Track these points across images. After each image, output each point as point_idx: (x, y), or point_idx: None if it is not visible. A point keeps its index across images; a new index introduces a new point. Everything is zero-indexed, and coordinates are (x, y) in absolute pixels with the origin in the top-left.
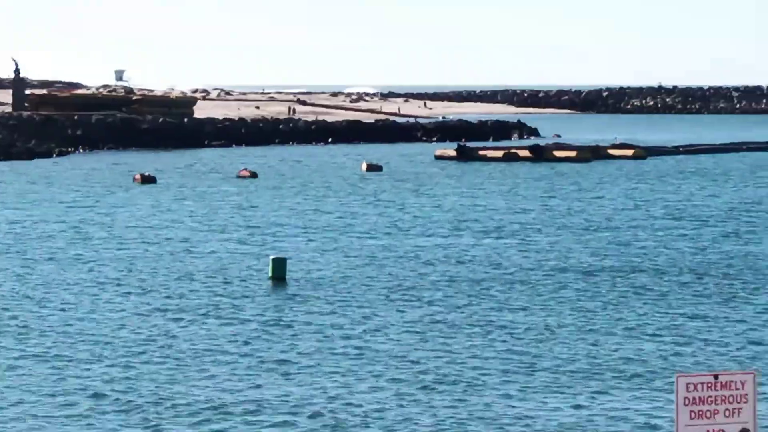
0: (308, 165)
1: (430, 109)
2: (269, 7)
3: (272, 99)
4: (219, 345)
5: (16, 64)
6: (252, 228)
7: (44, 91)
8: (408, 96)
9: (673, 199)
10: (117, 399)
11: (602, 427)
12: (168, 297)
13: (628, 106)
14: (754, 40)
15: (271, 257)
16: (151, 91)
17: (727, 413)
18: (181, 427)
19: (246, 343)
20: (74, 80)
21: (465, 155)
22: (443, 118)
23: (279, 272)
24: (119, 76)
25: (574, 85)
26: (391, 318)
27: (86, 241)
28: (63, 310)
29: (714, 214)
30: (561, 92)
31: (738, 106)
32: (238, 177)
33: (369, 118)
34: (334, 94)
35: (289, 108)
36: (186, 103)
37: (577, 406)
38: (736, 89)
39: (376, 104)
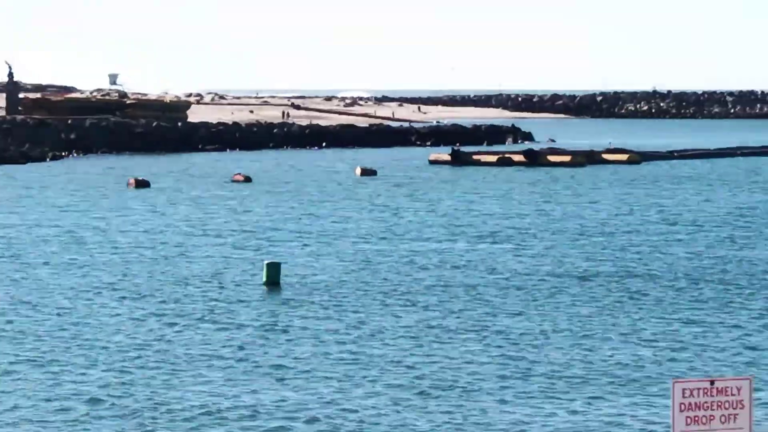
0: (302, 169)
1: (425, 113)
2: (263, 10)
3: (266, 103)
4: (214, 350)
5: (10, 68)
6: (246, 233)
7: (38, 95)
8: (402, 100)
9: (668, 204)
10: (113, 404)
11: None
12: (163, 302)
13: (623, 111)
14: (748, 45)
15: (266, 262)
16: (145, 95)
17: (723, 419)
18: None
19: (241, 348)
20: (68, 84)
21: (459, 160)
22: (437, 122)
23: (273, 277)
24: (113, 80)
25: (569, 89)
26: (386, 323)
27: (80, 246)
28: (58, 314)
29: (709, 219)
30: (555, 97)
31: (732, 110)
32: (233, 181)
33: (363, 122)
34: (329, 99)
35: (283, 112)
36: (180, 107)
37: (573, 412)
38: (731, 94)
39: (370, 108)
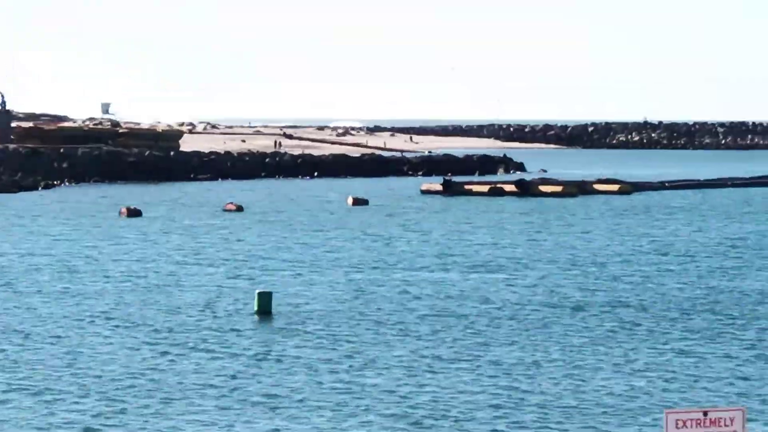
0: (294, 199)
1: (417, 143)
2: (255, 40)
3: (258, 133)
4: (206, 379)
5: (2, 97)
6: (238, 262)
7: (30, 124)
8: (394, 130)
9: (660, 235)
10: None
11: None
12: (155, 330)
13: (614, 141)
14: (740, 76)
15: (257, 291)
16: (137, 124)
17: None
18: None
19: (233, 377)
20: (60, 113)
21: (451, 190)
22: (429, 152)
23: (265, 306)
24: (105, 109)
25: (560, 120)
26: (379, 352)
27: (73, 274)
28: (51, 343)
29: (700, 250)
30: (547, 127)
31: (723, 141)
32: (225, 211)
33: (355, 152)
34: (321, 128)
35: (276, 142)
36: (172, 136)
37: None
38: (722, 125)
39: (362, 138)
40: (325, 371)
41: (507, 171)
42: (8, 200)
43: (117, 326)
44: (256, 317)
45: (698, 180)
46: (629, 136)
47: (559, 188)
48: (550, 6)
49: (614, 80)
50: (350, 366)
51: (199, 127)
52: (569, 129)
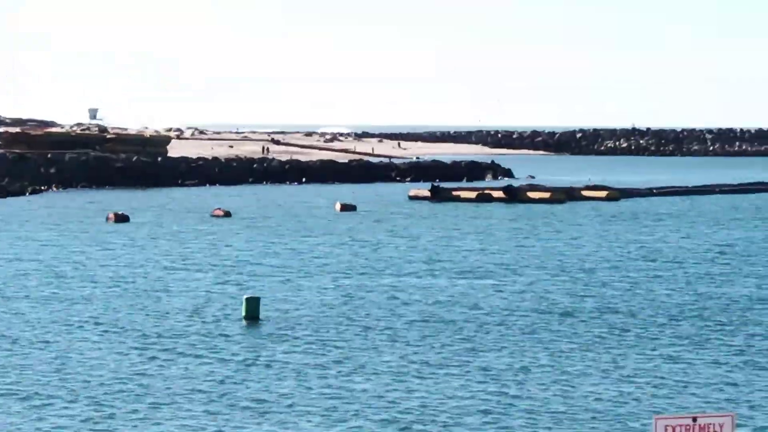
0: (282, 204)
1: (404, 149)
2: (243, 46)
3: (246, 138)
4: (195, 384)
5: None
6: (226, 267)
7: (17, 129)
8: (382, 136)
9: (648, 241)
10: None
11: None
12: (143, 336)
13: (602, 148)
14: (728, 83)
15: (245, 297)
16: (125, 129)
17: None
18: None
19: (221, 382)
20: (48, 119)
21: (439, 196)
22: (417, 158)
23: (252, 311)
24: (93, 114)
25: (548, 126)
26: (367, 358)
27: (60, 280)
28: (39, 349)
29: (688, 256)
30: (535, 133)
31: (711, 148)
32: (212, 216)
33: (343, 158)
34: (308, 134)
35: (263, 147)
36: (160, 142)
37: None
38: (710, 131)
39: (350, 144)
40: (314, 376)
41: (495, 177)
42: None
43: (105, 331)
44: (244, 322)
45: (686, 186)
46: (617, 143)
47: (546, 194)
48: (540, 14)
49: (603, 86)
50: (339, 371)
51: (187, 133)
52: (557, 135)
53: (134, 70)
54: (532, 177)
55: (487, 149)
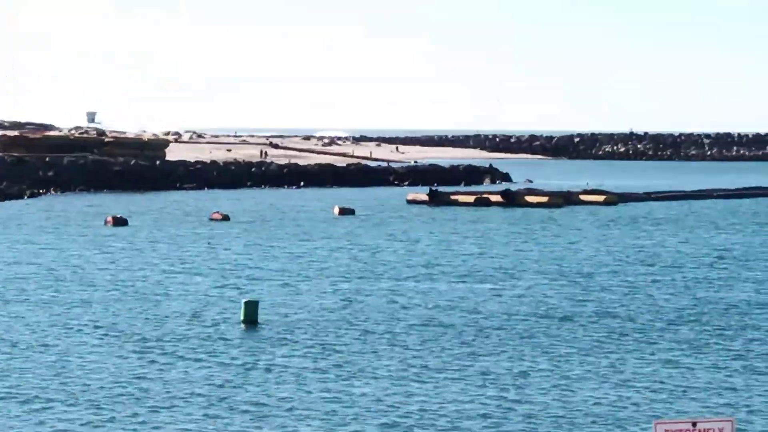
0: (280, 208)
1: (403, 153)
2: (241, 50)
3: (244, 142)
4: (193, 388)
5: None
6: (224, 271)
7: (16, 133)
8: (380, 140)
9: (646, 245)
10: None
11: None
12: (142, 339)
13: (600, 152)
14: (725, 88)
15: (244, 300)
16: (123, 133)
17: None
18: None
19: (220, 386)
20: (46, 122)
21: (437, 200)
22: (415, 162)
23: (251, 315)
24: (91, 117)
25: (546, 130)
26: (366, 362)
27: (59, 283)
28: (39, 352)
29: (686, 261)
30: (533, 137)
31: (709, 152)
32: (211, 220)
33: (341, 161)
34: (307, 138)
35: (261, 151)
36: (158, 145)
37: None
38: (707, 136)
39: (348, 148)
40: (313, 380)
41: (493, 181)
42: None
43: (104, 335)
44: (242, 326)
45: (684, 191)
46: (615, 147)
47: (544, 199)
48: (537, 18)
49: (601, 90)
50: (338, 375)
51: (185, 137)
52: (555, 140)
53: (132, 71)
54: (530, 181)
55: (485, 153)
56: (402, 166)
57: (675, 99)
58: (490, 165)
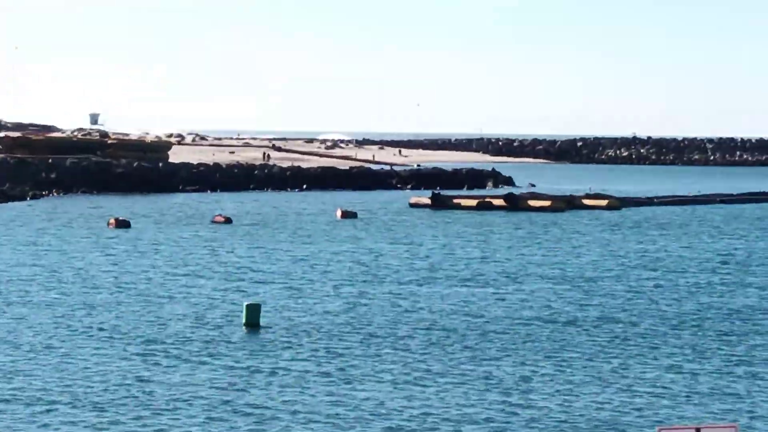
0: (283, 211)
1: (405, 156)
2: (244, 52)
3: (247, 145)
4: (195, 391)
5: None
6: (227, 274)
7: (18, 134)
8: (383, 143)
9: (649, 250)
10: None
11: None
12: (143, 342)
13: (603, 157)
14: (728, 93)
15: (246, 303)
16: (126, 135)
17: None
18: None
19: (222, 389)
20: (49, 123)
21: (439, 203)
22: (418, 165)
23: (253, 318)
24: (94, 119)
25: (549, 134)
26: (367, 366)
27: (61, 286)
28: (43, 354)
29: (689, 266)
30: (536, 141)
31: (712, 157)
32: (213, 222)
33: (344, 165)
34: (309, 141)
35: (264, 154)
36: (161, 147)
37: None
38: (710, 141)
39: (351, 151)
40: (316, 384)
41: (496, 185)
42: None
43: (107, 337)
44: (244, 329)
45: (687, 196)
46: (618, 152)
47: (547, 203)
48: (541, 23)
49: (605, 94)
50: (340, 379)
51: (188, 139)
52: (558, 144)
53: (135, 71)
54: (533, 185)
55: (488, 157)
56: (405, 170)
57: (678, 103)
58: (493, 169)
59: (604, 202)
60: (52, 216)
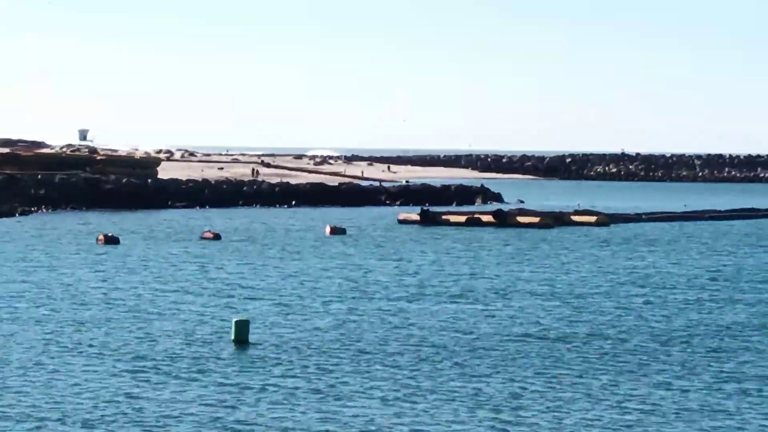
0: (272, 227)
1: (394, 172)
2: (232, 68)
3: (236, 160)
4: (183, 408)
5: None
6: (215, 290)
7: (7, 150)
8: (372, 159)
9: (637, 266)
10: None
11: None
12: (131, 359)
13: (591, 173)
14: (716, 109)
15: (235, 320)
16: (115, 151)
17: None
18: None
19: (211, 405)
20: (38, 139)
21: (428, 219)
22: (407, 182)
23: (242, 335)
24: (83, 135)
25: (538, 150)
26: (356, 382)
27: (49, 302)
28: (31, 371)
29: (678, 282)
30: (524, 158)
31: (700, 173)
32: (202, 238)
33: (333, 181)
34: (298, 157)
35: (253, 170)
36: (150, 163)
37: None
38: (698, 157)
39: (339, 167)
40: (304, 400)
41: (484, 201)
42: None
43: (96, 354)
44: (233, 346)
45: (675, 212)
46: (607, 168)
47: (536, 219)
48: (529, 39)
49: (593, 111)
50: (329, 395)
51: (177, 155)
52: (546, 160)
53: (124, 86)
54: (522, 201)
55: (476, 173)
56: (393, 186)
57: (666, 120)
58: (482, 185)
59: (592, 219)
60: (41, 232)
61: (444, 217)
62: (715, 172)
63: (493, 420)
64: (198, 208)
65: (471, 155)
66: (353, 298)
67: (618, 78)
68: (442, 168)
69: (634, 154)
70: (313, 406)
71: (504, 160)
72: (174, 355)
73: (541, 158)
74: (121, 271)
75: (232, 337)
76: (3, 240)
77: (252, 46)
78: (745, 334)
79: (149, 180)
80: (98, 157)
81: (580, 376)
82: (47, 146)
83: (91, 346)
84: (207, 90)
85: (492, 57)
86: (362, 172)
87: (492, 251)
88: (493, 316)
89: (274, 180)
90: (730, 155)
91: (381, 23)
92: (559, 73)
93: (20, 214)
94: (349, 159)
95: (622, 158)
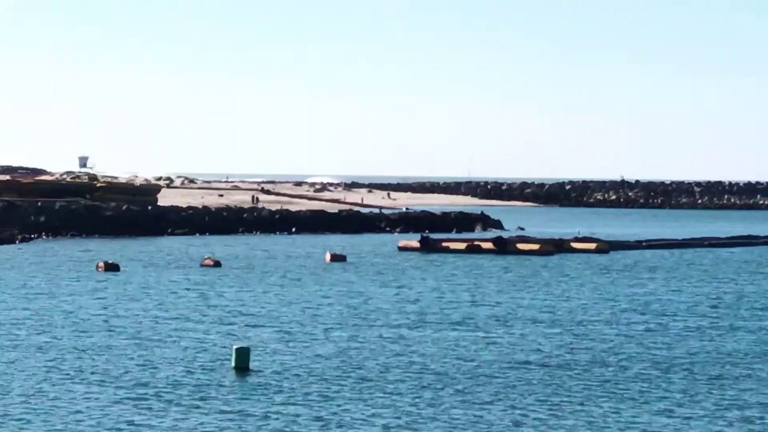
0: (272, 254)
1: (394, 199)
2: (232, 94)
3: (236, 188)
4: None
5: None
6: (216, 317)
7: (7, 177)
8: (372, 186)
9: (637, 293)
10: None
11: None
12: (132, 386)
13: (591, 200)
14: (716, 137)
15: (235, 347)
16: (115, 178)
17: None
18: None
19: None
20: (38, 166)
21: (428, 246)
22: (407, 208)
23: (242, 362)
24: (83, 162)
25: (537, 177)
26: (357, 410)
27: (50, 329)
28: (31, 398)
29: (678, 309)
30: (524, 185)
31: (700, 201)
32: (202, 266)
33: (333, 208)
34: (298, 184)
35: (253, 197)
36: (150, 190)
37: None
38: (698, 184)
39: (339, 194)
40: (304, 428)
41: (484, 228)
42: None
43: (97, 381)
44: (234, 373)
45: (675, 239)
46: (606, 195)
47: (536, 246)
48: (528, 66)
49: (593, 138)
50: (327, 423)
51: (177, 182)
52: (546, 187)
53: (124, 113)
54: (522, 228)
55: (476, 200)
56: (394, 213)
57: (666, 147)
58: (482, 212)
59: (592, 246)
60: (41, 259)
61: (444, 244)
62: (715, 199)
63: None
64: (198, 235)
65: (471, 182)
66: (354, 325)
67: (617, 105)
68: (442, 195)
69: (633, 181)
70: None
71: (504, 187)
72: (175, 383)
73: (541, 185)
74: (121, 299)
75: (233, 364)
76: (3, 267)
77: (251, 73)
78: (747, 361)
79: (149, 207)
80: (98, 184)
81: (582, 404)
82: (47, 173)
83: (92, 373)
84: (207, 117)
85: (492, 84)
86: (362, 199)
87: (492, 278)
88: (494, 344)
89: (274, 207)
90: (730, 182)
91: (381, 50)
92: (558, 100)
93: (20, 241)
94: (349, 186)
95: (621, 185)
